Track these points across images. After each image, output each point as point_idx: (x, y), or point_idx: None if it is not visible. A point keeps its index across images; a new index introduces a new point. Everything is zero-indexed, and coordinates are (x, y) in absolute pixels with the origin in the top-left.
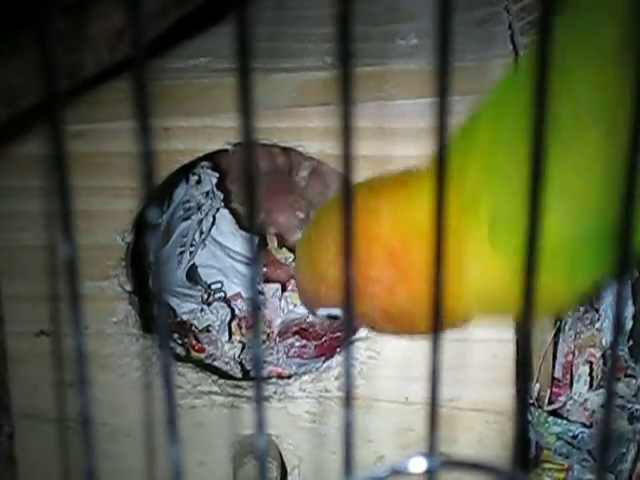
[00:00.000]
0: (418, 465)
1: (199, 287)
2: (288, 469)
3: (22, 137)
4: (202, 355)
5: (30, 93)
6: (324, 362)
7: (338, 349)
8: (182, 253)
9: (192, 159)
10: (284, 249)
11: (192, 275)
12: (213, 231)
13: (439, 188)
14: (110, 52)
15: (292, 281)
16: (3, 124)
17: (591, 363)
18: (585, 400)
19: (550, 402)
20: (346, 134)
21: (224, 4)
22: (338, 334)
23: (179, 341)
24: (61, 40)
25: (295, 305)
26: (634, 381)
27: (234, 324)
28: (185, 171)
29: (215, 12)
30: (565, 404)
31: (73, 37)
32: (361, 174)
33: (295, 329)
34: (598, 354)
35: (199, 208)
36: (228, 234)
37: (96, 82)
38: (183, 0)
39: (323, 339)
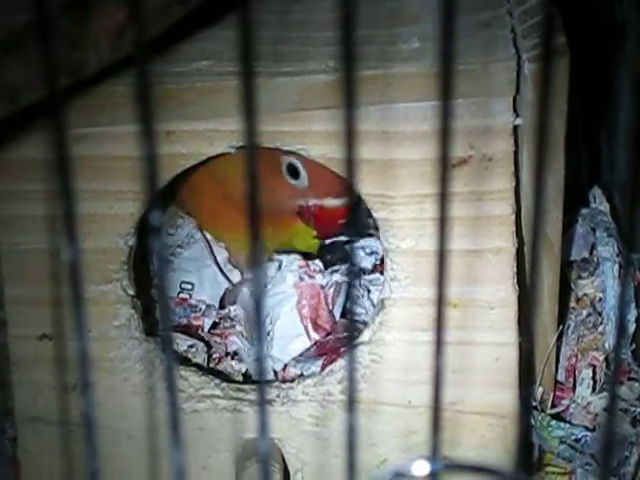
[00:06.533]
0: (421, 468)
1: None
2: (291, 473)
3: (25, 140)
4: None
5: (31, 91)
6: (324, 363)
7: (340, 351)
8: None
9: (195, 163)
10: None
11: None
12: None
13: (442, 188)
14: (112, 49)
15: None
16: (5, 124)
17: (594, 366)
18: (588, 403)
19: (553, 405)
20: (349, 138)
21: (225, 4)
22: (340, 335)
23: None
24: (63, 37)
25: None
26: (637, 384)
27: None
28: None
29: (217, 12)
30: (568, 407)
31: (75, 34)
32: (364, 177)
33: None
34: (601, 357)
35: None
36: None
37: (97, 81)
38: None
39: (325, 340)
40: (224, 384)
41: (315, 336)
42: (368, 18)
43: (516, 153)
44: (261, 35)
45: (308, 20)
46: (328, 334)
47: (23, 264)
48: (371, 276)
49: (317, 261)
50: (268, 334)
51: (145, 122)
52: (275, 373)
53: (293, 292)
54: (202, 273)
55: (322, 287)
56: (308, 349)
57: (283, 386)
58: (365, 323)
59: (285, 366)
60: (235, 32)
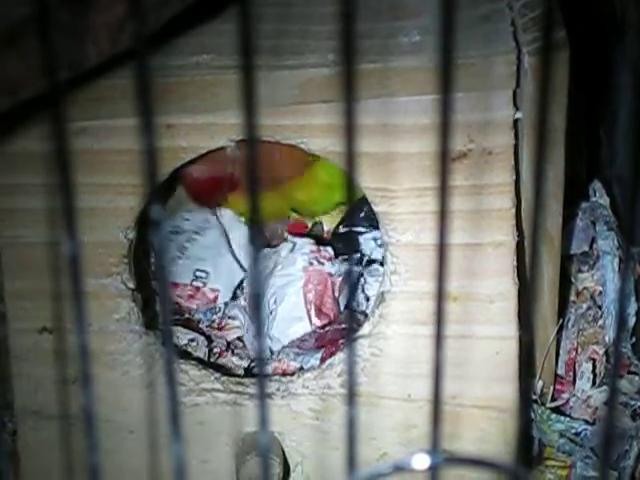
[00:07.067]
0: (421, 462)
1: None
2: (291, 466)
3: (25, 133)
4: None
5: (32, 84)
6: (323, 356)
7: (339, 344)
8: None
9: (195, 156)
10: None
11: None
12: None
13: (442, 181)
14: (111, 43)
15: None
16: (6, 117)
17: (594, 360)
18: (588, 397)
19: (553, 399)
20: (349, 131)
21: None
22: (339, 327)
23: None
24: (63, 30)
25: None
26: (637, 378)
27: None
28: None
29: (217, 6)
30: (568, 401)
31: (75, 27)
32: (364, 171)
33: None
34: (601, 351)
35: None
36: (234, 223)
37: (98, 75)
38: None
39: (324, 330)
40: (224, 378)
41: (317, 322)
42: (368, 12)
43: (516, 147)
44: (261, 28)
45: (308, 13)
46: (330, 322)
47: (23, 257)
48: (370, 267)
49: (329, 248)
50: (271, 313)
51: (145, 115)
52: (272, 352)
53: (301, 275)
54: (217, 261)
55: (330, 275)
56: (307, 340)
57: (283, 379)
58: (363, 314)
59: (284, 358)
60: (235, 25)
